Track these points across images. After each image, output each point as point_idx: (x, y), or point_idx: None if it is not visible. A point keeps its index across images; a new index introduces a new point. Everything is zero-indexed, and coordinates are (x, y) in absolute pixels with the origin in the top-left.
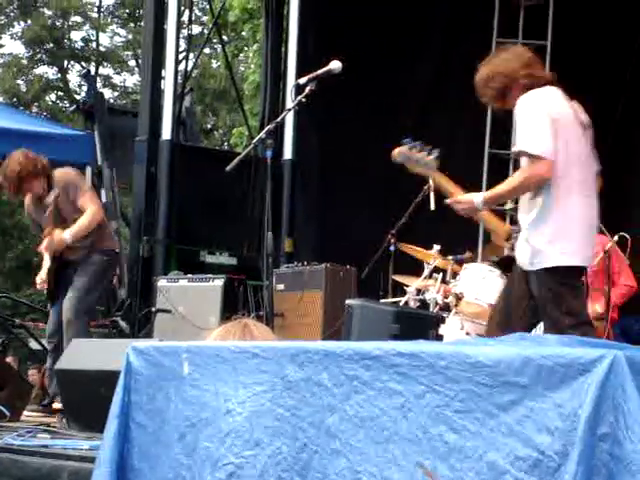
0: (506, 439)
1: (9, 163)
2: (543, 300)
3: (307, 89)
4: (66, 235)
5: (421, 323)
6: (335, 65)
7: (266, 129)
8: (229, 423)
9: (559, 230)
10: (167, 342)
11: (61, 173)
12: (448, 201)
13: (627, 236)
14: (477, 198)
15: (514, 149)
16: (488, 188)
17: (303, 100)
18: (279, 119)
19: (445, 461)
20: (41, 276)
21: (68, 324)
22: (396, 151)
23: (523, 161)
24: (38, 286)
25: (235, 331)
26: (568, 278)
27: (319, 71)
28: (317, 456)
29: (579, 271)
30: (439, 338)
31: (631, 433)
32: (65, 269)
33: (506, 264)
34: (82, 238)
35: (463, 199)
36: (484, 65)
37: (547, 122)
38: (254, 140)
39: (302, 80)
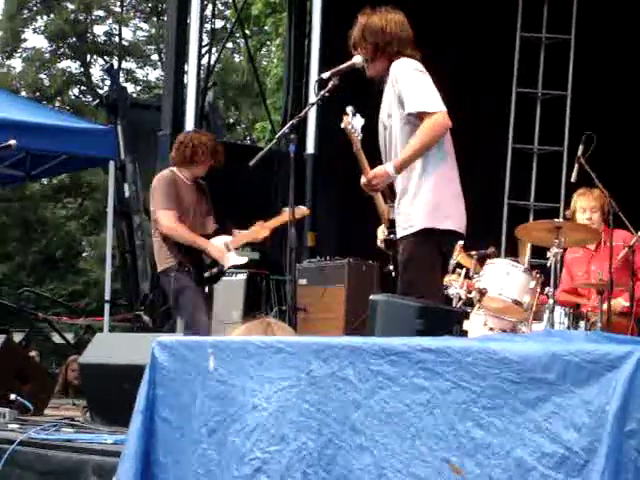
0: (533, 435)
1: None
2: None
3: (330, 84)
4: None
5: (445, 319)
6: (358, 59)
7: (289, 124)
8: (255, 418)
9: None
10: (192, 337)
11: None
12: (364, 180)
13: None
14: (389, 167)
15: (410, 110)
16: (512, 184)
17: (326, 95)
18: (302, 114)
19: (472, 457)
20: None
21: None
22: (345, 120)
23: (397, 125)
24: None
25: (257, 330)
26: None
27: (342, 65)
28: (342, 451)
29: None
30: (463, 334)
31: None
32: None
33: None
34: None
35: (378, 172)
36: (374, 15)
37: (431, 81)
38: (277, 135)
39: (325, 75)
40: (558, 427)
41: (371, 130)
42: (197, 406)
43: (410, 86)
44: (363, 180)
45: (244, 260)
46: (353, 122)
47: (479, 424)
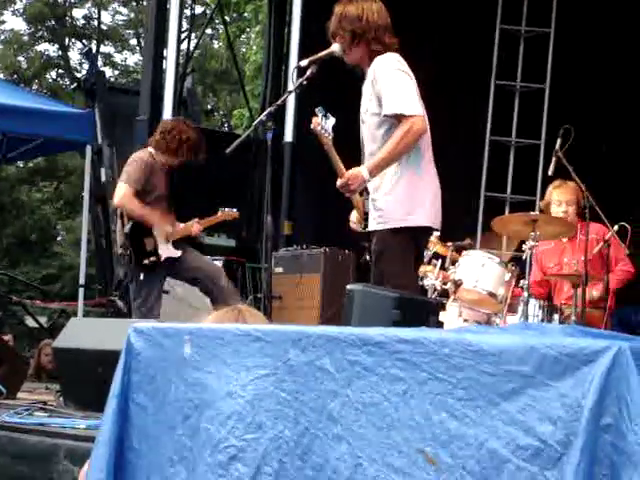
0: (508, 427)
1: (189, 128)
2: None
3: (308, 72)
4: None
5: (422, 309)
6: (336, 47)
7: (267, 111)
8: (231, 405)
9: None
10: (169, 323)
11: None
12: (339, 183)
13: (627, 226)
14: (364, 171)
15: (387, 112)
16: (489, 176)
17: (304, 83)
18: (280, 101)
19: (446, 448)
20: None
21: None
22: (314, 122)
23: (373, 121)
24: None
25: (229, 317)
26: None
27: (321, 53)
28: (318, 441)
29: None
30: (440, 324)
31: (634, 425)
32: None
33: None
34: None
35: (352, 176)
36: (351, 3)
37: (412, 83)
38: (254, 122)
39: (303, 62)
40: (533, 420)
41: (350, 122)
42: (172, 392)
43: (390, 87)
44: (339, 182)
45: (178, 253)
46: (323, 123)
47: (454, 415)
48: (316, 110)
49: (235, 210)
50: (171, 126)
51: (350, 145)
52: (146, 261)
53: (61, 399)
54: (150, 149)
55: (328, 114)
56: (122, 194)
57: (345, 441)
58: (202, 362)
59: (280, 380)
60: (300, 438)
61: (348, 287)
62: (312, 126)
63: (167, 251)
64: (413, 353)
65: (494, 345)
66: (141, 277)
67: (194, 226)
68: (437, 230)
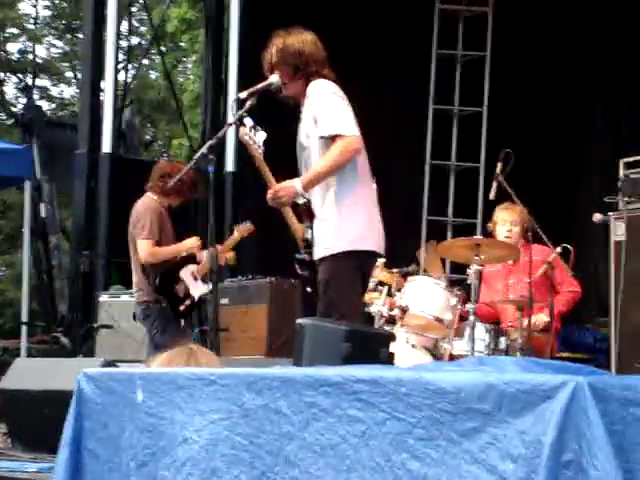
0: (469, 466)
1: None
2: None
3: (248, 104)
4: None
5: (373, 341)
6: (275, 79)
7: (207, 145)
8: (186, 452)
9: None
10: (120, 369)
11: None
12: (269, 194)
13: (570, 247)
14: (297, 183)
15: (324, 133)
16: (430, 199)
17: (244, 115)
18: (220, 134)
19: None
20: None
21: None
22: (242, 131)
23: (315, 146)
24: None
25: (180, 358)
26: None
27: (259, 85)
28: None
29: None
30: (391, 356)
31: (595, 460)
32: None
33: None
34: None
35: (283, 187)
36: (290, 36)
37: (347, 105)
38: (195, 157)
39: (242, 94)
40: (494, 458)
41: (289, 147)
42: (126, 439)
43: (325, 109)
44: (269, 194)
45: (206, 289)
46: (252, 134)
47: (415, 455)
48: (244, 120)
49: (249, 223)
50: (169, 168)
51: (287, 173)
52: (182, 307)
53: (9, 441)
54: (150, 194)
55: (258, 127)
56: (146, 250)
57: None
58: (155, 407)
59: (235, 424)
60: None
61: (298, 321)
62: (239, 135)
63: (198, 289)
64: (371, 393)
65: (452, 383)
66: (182, 324)
67: (220, 257)
68: (382, 256)
